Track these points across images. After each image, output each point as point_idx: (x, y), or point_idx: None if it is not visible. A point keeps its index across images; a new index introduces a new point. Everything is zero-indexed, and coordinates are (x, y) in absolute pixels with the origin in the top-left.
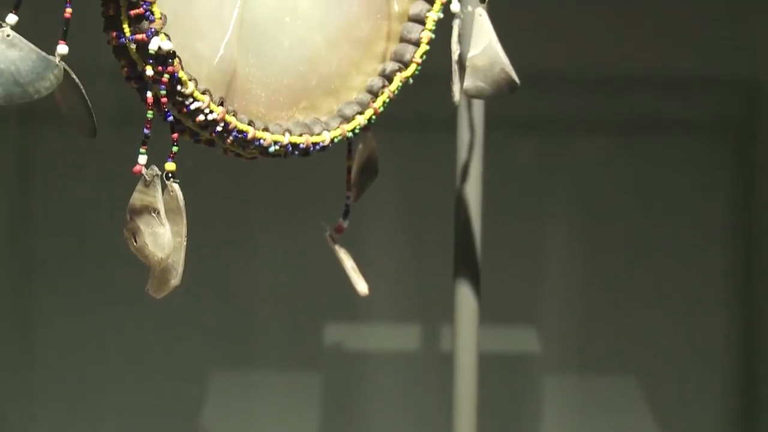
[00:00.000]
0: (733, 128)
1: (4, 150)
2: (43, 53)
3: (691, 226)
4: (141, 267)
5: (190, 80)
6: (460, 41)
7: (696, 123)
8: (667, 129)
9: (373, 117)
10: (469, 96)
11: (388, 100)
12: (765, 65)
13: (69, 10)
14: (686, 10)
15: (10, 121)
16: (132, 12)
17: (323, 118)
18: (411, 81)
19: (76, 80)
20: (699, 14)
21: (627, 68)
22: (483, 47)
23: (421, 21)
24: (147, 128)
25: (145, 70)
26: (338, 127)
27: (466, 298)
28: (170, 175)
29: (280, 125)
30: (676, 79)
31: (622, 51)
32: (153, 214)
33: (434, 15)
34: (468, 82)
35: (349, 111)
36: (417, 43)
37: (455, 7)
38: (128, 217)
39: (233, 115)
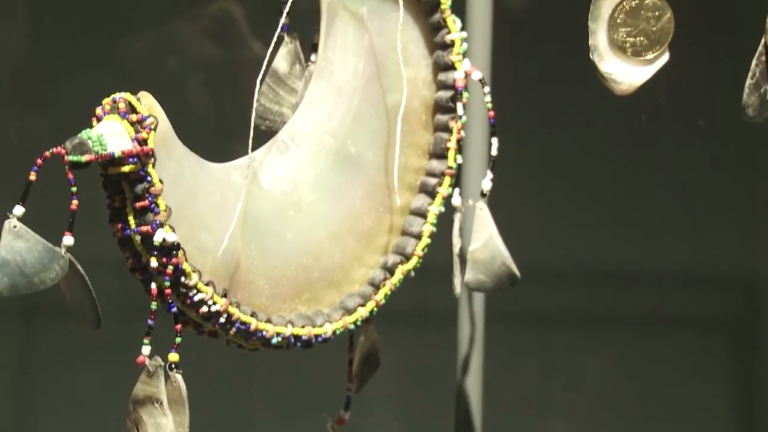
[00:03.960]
0: (733, 324)
1: (6, 343)
2: (49, 244)
3: (693, 422)
4: None
5: (194, 272)
6: (461, 234)
7: (695, 319)
8: (667, 324)
9: (375, 309)
10: (470, 289)
11: (389, 292)
12: (764, 262)
13: (75, 201)
14: (686, 207)
15: (12, 314)
16: (137, 204)
17: (325, 310)
18: (412, 274)
19: (82, 271)
20: (698, 211)
21: (627, 263)
22: (484, 240)
23: (422, 214)
24: (151, 319)
25: (149, 262)
26: (340, 319)
27: None
28: (173, 366)
29: (283, 317)
30: (676, 275)
31: (621, 246)
32: (156, 405)
33: (435, 209)
34: (469, 275)
35: (351, 303)
36: (418, 236)
37: (456, 201)
38: (131, 407)
39: (236, 306)
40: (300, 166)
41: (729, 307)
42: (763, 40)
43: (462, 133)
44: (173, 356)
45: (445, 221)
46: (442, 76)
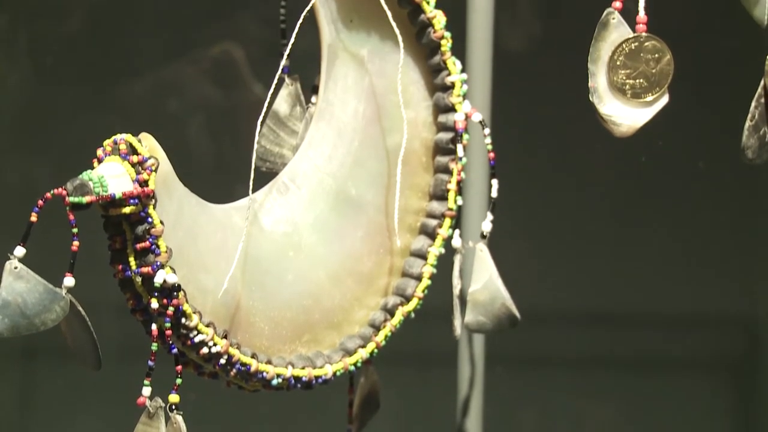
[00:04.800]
0: (733, 366)
1: (6, 384)
2: (50, 285)
3: None
4: None
5: (194, 313)
6: (461, 276)
7: (696, 361)
8: (667, 366)
9: (375, 351)
10: (470, 330)
11: (390, 333)
12: (764, 304)
13: (76, 243)
14: (685, 249)
15: (12, 355)
16: (138, 245)
17: (326, 352)
18: (413, 315)
19: (82, 312)
20: (698, 253)
21: (627, 306)
22: (484, 282)
23: (422, 256)
24: (151, 360)
25: (150, 303)
26: (340, 360)
27: None
28: (174, 407)
29: (283, 358)
30: (676, 318)
31: (622, 289)
32: None
33: (436, 250)
34: (469, 317)
35: (351, 344)
36: (419, 278)
37: (456, 242)
38: None
39: (237, 347)
40: (300, 208)
41: (729, 349)
42: (762, 83)
43: (462, 174)
44: (174, 397)
45: (445, 263)
46: (442, 118)
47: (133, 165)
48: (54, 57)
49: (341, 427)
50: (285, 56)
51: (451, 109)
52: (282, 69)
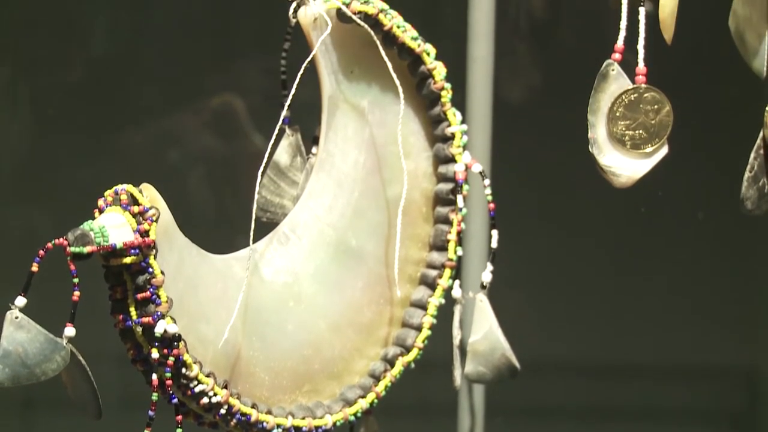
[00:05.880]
0: (734, 417)
1: None
2: (51, 335)
3: None
4: None
5: (194, 363)
6: (461, 326)
7: (696, 412)
8: (668, 417)
9: (375, 401)
10: (470, 380)
11: (390, 384)
12: (764, 355)
13: (77, 293)
14: (685, 300)
15: (12, 405)
16: (139, 296)
17: (326, 402)
18: (413, 365)
19: (83, 362)
20: (698, 304)
21: (627, 356)
22: (484, 332)
23: (422, 306)
24: (152, 410)
25: (150, 353)
26: (341, 410)
27: None
28: None
29: (283, 408)
30: (677, 368)
31: (621, 339)
32: None
33: (436, 300)
34: (469, 367)
35: (351, 395)
36: (419, 328)
37: (456, 293)
38: None
39: (237, 398)
40: (301, 258)
41: (730, 400)
42: (761, 134)
43: (462, 225)
44: None
45: (445, 313)
46: (442, 169)
47: (134, 215)
48: (55, 107)
49: None
50: (286, 107)
51: (451, 160)
52: (283, 120)
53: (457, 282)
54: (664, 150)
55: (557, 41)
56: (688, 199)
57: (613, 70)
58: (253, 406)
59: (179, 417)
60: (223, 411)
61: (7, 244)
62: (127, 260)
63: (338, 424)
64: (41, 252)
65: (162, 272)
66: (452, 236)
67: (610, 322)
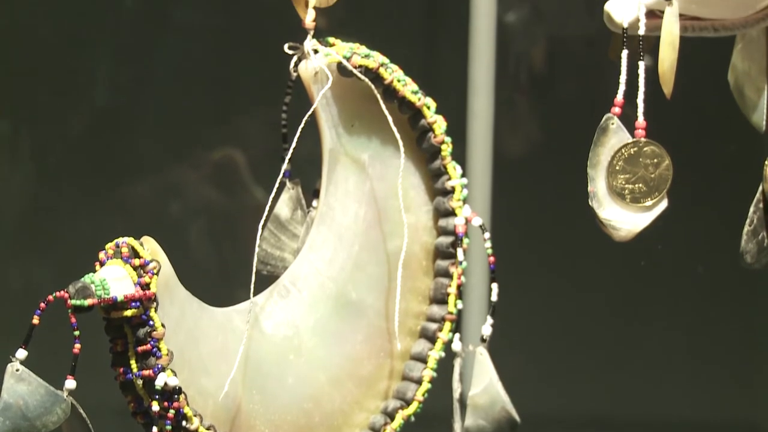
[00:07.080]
0: None
1: None
2: (51, 388)
3: None
4: None
5: (195, 416)
6: (461, 380)
7: None
8: None
9: None
10: None
11: None
12: (763, 410)
13: (78, 345)
14: (684, 355)
15: None
16: (139, 348)
17: None
18: (413, 419)
19: (84, 415)
20: (697, 359)
21: (626, 411)
22: (484, 386)
23: (423, 359)
24: None
25: (151, 406)
26: None
27: None
28: None
29: None
30: (676, 424)
31: (621, 394)
32: None
33: (436, 354)
34: (469, 421)
35: None
36: (419, 382)
37: (456, 346)
38: None
39: None
40: (301, 311)
41: None
42: (760, 188)
43: (462, 278)
44: None
45: (445, 366)
46: (442, 222)
47: (135, 268)
48: (56, 159)
49: None
50: (286, 160)
51: (452, 213)
52: (283, 173)
53: (457, 335)
54: (664, 204)
55: (557, 95)
56: (688, 253)
57: (612, 123)
58: None
59: None
60: None
61: (8, 296)
62: (128, 313)
63: None
64: (42, 305)
65: (163, 325)
66: (452, 289)
67: (610, 376)
